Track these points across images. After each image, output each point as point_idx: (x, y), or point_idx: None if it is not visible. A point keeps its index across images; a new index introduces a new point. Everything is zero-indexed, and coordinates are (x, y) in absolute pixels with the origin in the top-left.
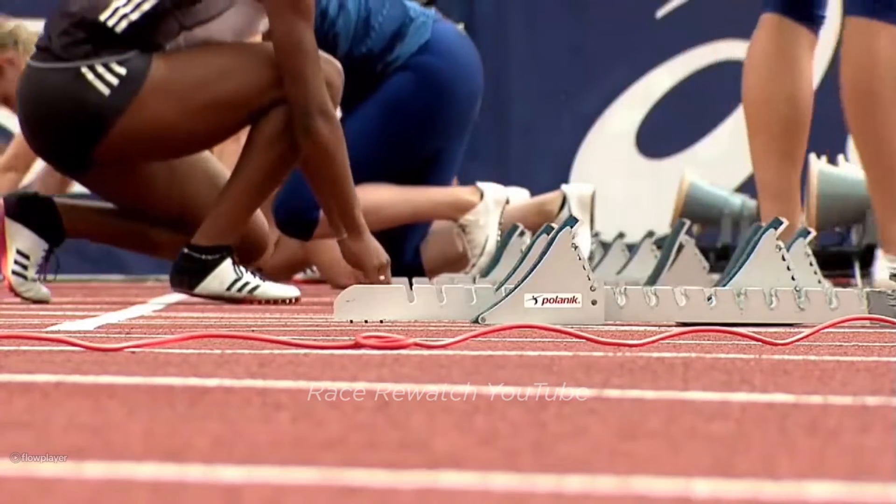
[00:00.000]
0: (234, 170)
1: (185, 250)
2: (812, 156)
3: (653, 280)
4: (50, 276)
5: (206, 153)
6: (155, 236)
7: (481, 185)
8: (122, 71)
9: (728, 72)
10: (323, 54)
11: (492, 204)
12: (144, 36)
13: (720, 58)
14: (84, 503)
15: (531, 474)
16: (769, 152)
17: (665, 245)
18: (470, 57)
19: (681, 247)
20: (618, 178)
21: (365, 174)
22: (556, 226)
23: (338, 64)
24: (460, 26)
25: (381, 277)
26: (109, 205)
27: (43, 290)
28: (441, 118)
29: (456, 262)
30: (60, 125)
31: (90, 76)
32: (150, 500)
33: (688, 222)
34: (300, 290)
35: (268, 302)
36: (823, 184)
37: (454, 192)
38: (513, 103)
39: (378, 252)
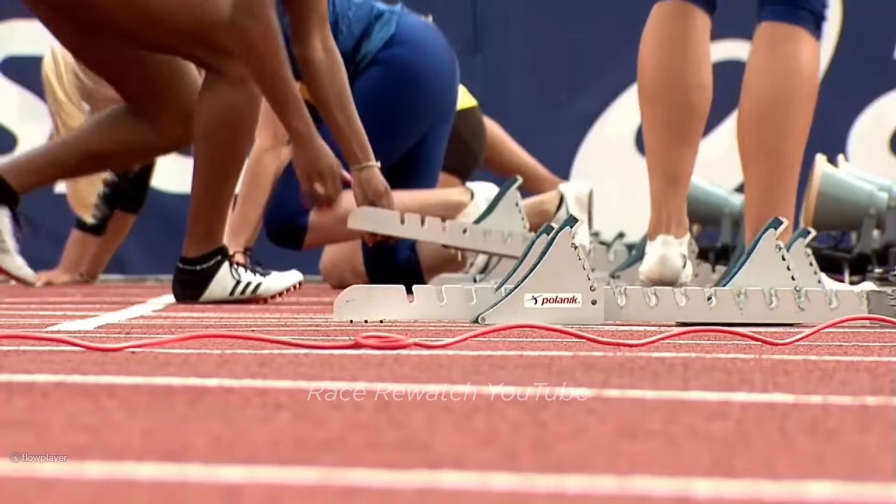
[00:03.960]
0: (193, 172)
1: (180, 265)
2: (819, 156)
3: (636, 259)
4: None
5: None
6: (110, 146)
7: (471, 184)
8: None
9: (728, 72)
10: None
11: (482, 203)
12: None
13: (720, 58)
14: (84, 503)
15: (531, 474)
16: (663, 137)
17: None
18: (437, 42)
19: None
20: (618, 178)
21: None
22: (555, 225)
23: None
24: (428, 18)
25: (318, 187)
26: (46, 147)
27: (27, 269)
28: (416, 105)
29: (453, 262)
30: None
31: None
32: (150, 500)
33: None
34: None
35: (273, 297)
36: (825, 184)
37: (444, 193)
38: (512, 103)
39: (317, 161)
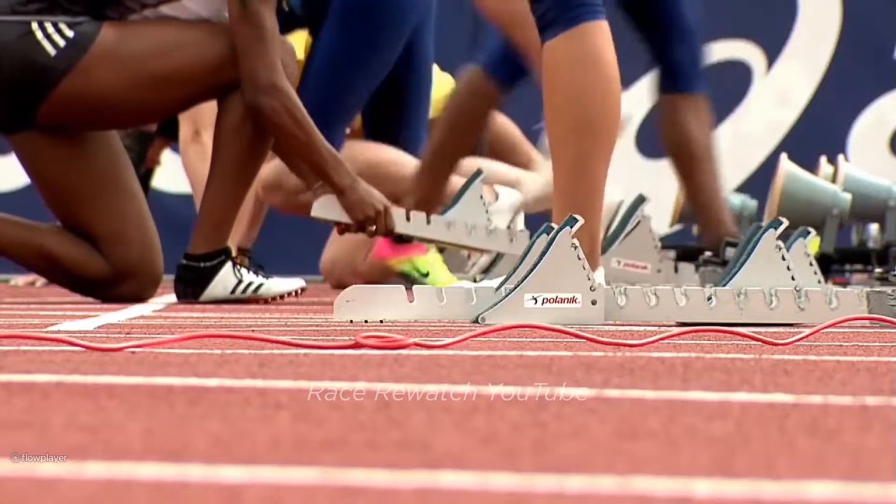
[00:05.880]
0: (210, 168)
1: (183, 261)
2: (783, 155)
3: (603, 250)
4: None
5: (141, 198)
6: (50, 247)
7: (498, 187)
8: (70, 34)
9: (728, 72)
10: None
11: (506, 207)
12: (102, 4)
13: (720, 58)
14: (84, 503)
15: (531, 474)
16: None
17: (622, 217)
18: None
19: (637, 223)
20: (618, 178)
21: (350, 91)
22: (555, 226)
23: (291, 45)
24: None
25: (373, 228)
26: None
27: None
28: (401, 5)
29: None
30: (6, 79)
31: (39, 34)
32: (150, 500)
33: (647, 197)
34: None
35: (273, 299)
36: (788, 183)
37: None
38: (513, 104)
39: (363, 205)
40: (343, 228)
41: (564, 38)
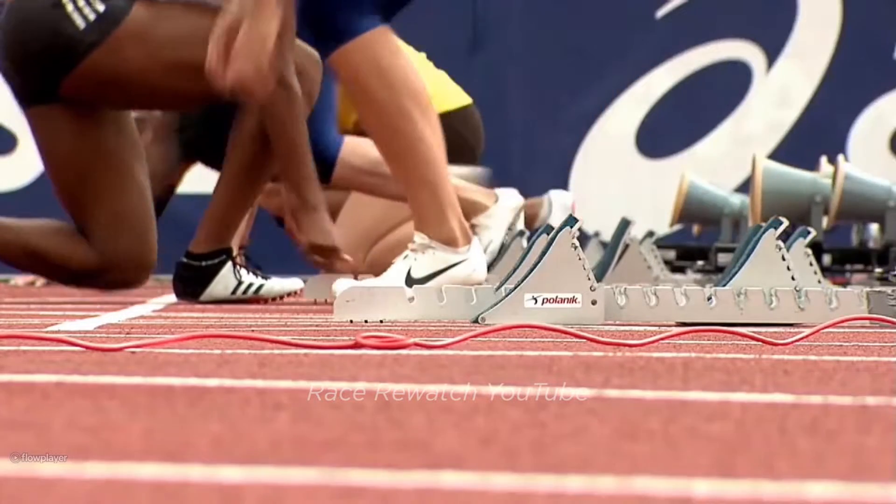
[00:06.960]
0: (222, 170)
1: (184, 259)
2: (757, 153)
3: (597, 278)
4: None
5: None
6: (33, 242)
7: (498, 190)
8: (101, 8)
9: (728, 72)
10: (302, 45)
11: (506, 209)
12: None
13: (720, 58)
14: (84, 503)
15: (531, 474)
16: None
17: (610, 245)
18: None
19: (626, 246)
20: (618, 178)
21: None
22: (555, 226)
23: (315, 55)
24: None
25: (318, 259)
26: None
27: None
28: None
29: None
30: (34, 50)
31: (69, 7)
32: (150, 500)
33: (632, 222)
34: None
35: (273, 299)
36: (767, 180)
37: (468, 190)
38: (513, 103)
39: (324, 232)
40: (296, 239)
41: (357, 43)
